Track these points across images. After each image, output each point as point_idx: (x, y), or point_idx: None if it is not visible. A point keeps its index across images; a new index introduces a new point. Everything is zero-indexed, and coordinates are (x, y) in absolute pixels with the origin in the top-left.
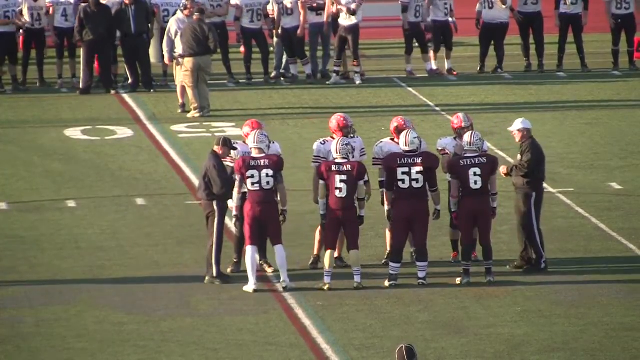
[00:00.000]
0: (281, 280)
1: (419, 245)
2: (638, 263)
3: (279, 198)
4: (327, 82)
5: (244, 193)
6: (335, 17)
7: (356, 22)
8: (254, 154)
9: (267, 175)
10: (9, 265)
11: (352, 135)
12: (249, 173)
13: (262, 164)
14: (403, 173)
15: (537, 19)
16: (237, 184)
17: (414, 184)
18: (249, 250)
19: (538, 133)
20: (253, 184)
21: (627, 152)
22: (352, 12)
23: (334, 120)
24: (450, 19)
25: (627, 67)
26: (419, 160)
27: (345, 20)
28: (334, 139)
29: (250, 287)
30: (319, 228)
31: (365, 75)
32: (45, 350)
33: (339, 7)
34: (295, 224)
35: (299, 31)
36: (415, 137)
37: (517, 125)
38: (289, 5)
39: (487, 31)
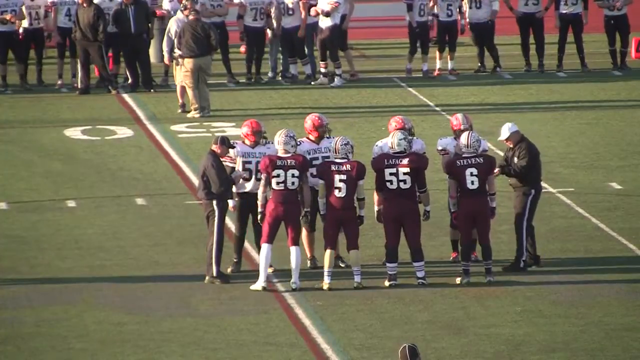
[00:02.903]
0: (291, 281)
1: (413, 246)
2: (638, 263)
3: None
4: (330, 84)
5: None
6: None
7: (333, 24)
8: (280, 153)
9: (293, 176)
10: (9, 265)
11: (327, 136)
12: (275, 172)
13: (288, 164)
14: (390, 174)
15: (537, 19)
16: (262, 182)
17: (402, 185)
18: (264, 248)
19: (538, 133)
20: (278, 183)
21: (627, 152)
22: (326, 14)
23: (309, 121)
24: (460, 20)
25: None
26: (405, 161)
27: (322, 22)
28: (309, 139)
29: (259, 284)
30: (304, 230)
31: (357, 75)
32: (45, 350)
33: (315, 8)
34: None
35: (299, 31)
36: (401, 139)
37: (505, 133)
38: (290, 5)
39: (475, 31)
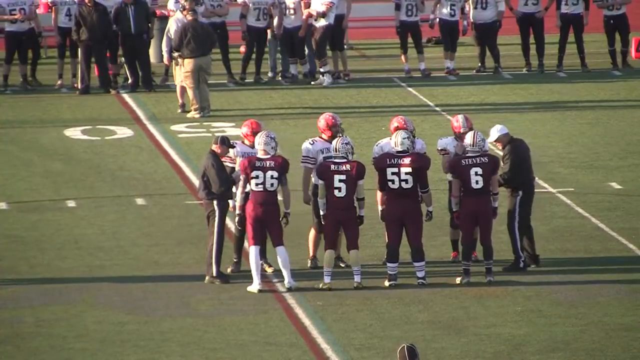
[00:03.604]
0: (285, 282)
1: (414, 245)
2: (638, 263)
3: (282, 199)
4: (323, 85)
5: (247, 193)
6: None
7: (327, 23)
8: (260, 155)
9: (272, 177)
10: (9, 265)
11: (340, 135)
12: (253, 173)
13: (267, 165)
14: (392, 173)
15: (537, 19)
16: (241, 183)
17: (404, 185)
18: (252, 251)
19: (538, 133)
20: (257, 184)
21: (627, 152)
22: (322, 15)
23: (323, 120)
24: (463, 22)
25: (621, 67)
26: (407, 161)
27: (315, 21)
28: (322, 139)
29: (254, 287)
30: (311, 229)
31: (350, 76)
32: (45, 350)
33: (308, 10)
34: (295, 224)
35: (300, 31)
36: (405, 138)
37: (494, 135)
38: (292, 5)
39: (479, 31)
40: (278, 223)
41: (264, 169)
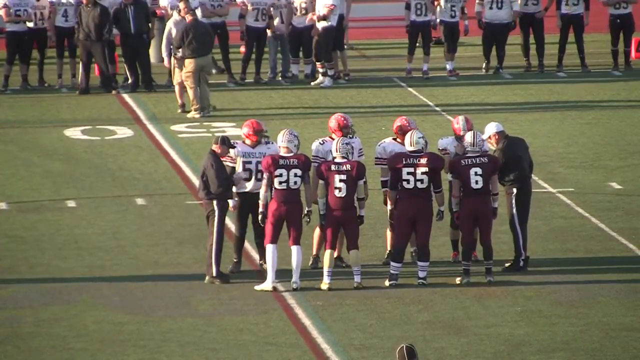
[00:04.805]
0: (292, 281)
1: (421, 245)
2: (638, 263)
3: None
4: (320, 85)
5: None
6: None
7: (329, 25)
8: (282, 152)
9: (295, 175)
10: (9, 265)
11: (350, 136)
12: (277, 172)
13: (291, 164)
14: (408, 173)
15: (537, 19)
16: (264, 182)
17: (419, 184)
18: (270, 249)
19: (538, 133)
20: (280, 182)
21: (627, 152)
22: (323, 18)
23: (334, 120)
24: (464, 22)
25: (623, 67)
26: (424, 161)
27: (318, 23)
28: (332, 139)
29: (268, 284)
30: (317, 228)
31: (350, 76)
32: (45, 350)
33: (311, 14)
34: None
35: (313, 31)
36: (420, 137)
37: (488, 132)
38: (303, 5)
39: (490, 31)
40: (299, 222)
41: (288, 167)
